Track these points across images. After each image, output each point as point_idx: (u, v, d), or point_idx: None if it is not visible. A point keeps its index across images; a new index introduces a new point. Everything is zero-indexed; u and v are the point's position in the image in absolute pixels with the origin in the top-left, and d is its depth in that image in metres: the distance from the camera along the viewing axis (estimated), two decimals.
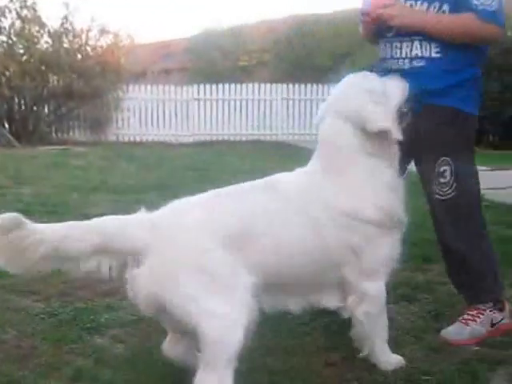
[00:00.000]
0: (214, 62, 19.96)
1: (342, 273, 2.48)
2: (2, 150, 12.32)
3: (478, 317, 2.92)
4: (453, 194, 2.82)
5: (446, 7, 2.77)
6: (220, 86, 15.71)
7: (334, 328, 2.88)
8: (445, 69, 2.80)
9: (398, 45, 2.90)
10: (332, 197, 2.42)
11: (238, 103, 15.78)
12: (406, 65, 2.87)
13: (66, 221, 4.67)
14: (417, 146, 2.84)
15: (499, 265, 3.04)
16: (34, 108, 14.29)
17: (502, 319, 2.96)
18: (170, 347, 2.45)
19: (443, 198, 2.84)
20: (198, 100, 15.60)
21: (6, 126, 14.22)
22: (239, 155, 11.56)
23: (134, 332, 3.03)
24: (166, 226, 2.24)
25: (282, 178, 2.52)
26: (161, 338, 2.50)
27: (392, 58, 2.93)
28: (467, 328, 2.91)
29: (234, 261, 2.21)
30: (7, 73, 13.64)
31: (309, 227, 2.38)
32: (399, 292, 3.52)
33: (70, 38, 14.65)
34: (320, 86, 15.34)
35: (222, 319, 2.14)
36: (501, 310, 2.97)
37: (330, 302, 2.54)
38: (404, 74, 2.77)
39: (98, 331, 3.04)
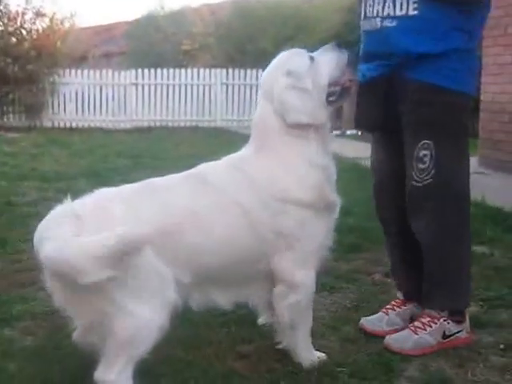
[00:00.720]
0: (155, 46, 19.66)
1: (272, 262, 2.37)
2: None
3: (430, 325, 2.63)
4: (430, 180, 2.53)
5: None
6: (158, 70, 15.47)
7: (250, 319, 2.80)
8: (421, 30, 2.45)
9: (370, 2, 2.58)
10: (261, 181, 2.33)
11: (176, 88, 15.55)
12: (377, 24, 2.55)
13: None
14: (396, 127, 2.61)
15: (470, 273, 2.76)
16: None
17: (457, 332, 2.66)
18: (80, 336, 2.35)
19: (419, 184, 2.55)
20: (136, 85, 15.33)
21: None
22: (177, 141, 11.50)
23: (45, 324, 3.00)
24: (86, 221, 2.14)
25: (210, 168, 2.43)
26: (71, 331, 2.41)
27: (365, 17, 2.64)
28: (414, 336, 2.62)
29: (155, 259, 2.15)
30: None
31: (239, 218, 2.30)
32: (321, 281, 3.23)
33: (5, 20, 14.25)
34: (260, 70, 15.06)
35: (137, 319, 2.13)
36: (458, 322, 2.67)
37: (260, 297, 2.47)
38: (373, 35, 2.56)
39: (9, 323, 2.99)
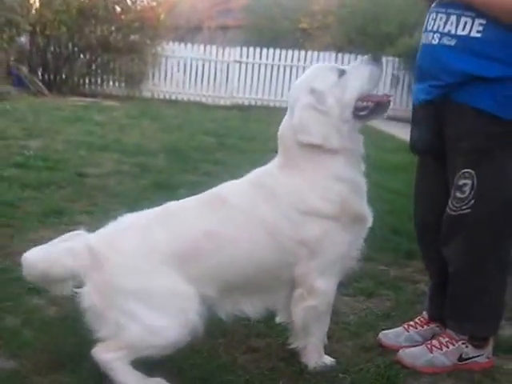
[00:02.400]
0: (274, 22, 19.29)
1: (295, 269, 2.40)
2: (31, 99, 12.18)
3: (447, 346, 2.62)
4: (467, 210, 2.46)
5: None
6: (264, 50, 15.21)
7: (270, 315, 2.68)
8: (481, 53, 2.34)
9: (434, 16, 2.49)
10: (284, 195, 2.36)
11: (281, 69, 15.21)
12: (435, 40, 2.45)
13: (58, 178, 5.24)
14: (440, 148, 2.55)
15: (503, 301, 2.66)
16: (69, 58, 14.03)
17: (475, 356, 2.62)
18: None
19: (454, 213, 2.49)
20: (240, 63, 15.13)
21: (40, 74, 14.02)
22: (271, 122, 11.05)
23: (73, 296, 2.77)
24: (102, 253, 2.28)
25: (231, 189, 2.46)
26: None
27: (426, 30, 2.54)
28: (429, 355, 2.62)
29: (174, 278, 2.25)
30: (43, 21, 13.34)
31: (262, 234, 2.34)
32: (360, 285, 3.43)
33: None
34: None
35: (151, 330, 2.22)
36: (478, 346, 2.62)
37: (286, 303, 2.50)
38: (429, 51, 2.48)
39: (39, 293, 2.97)
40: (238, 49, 15.23)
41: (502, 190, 2.45)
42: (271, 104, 14.74)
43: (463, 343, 2.61)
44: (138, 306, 2.22)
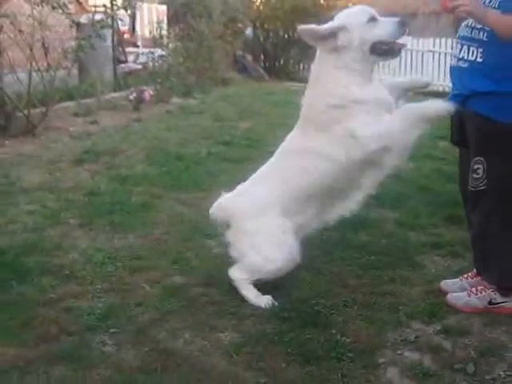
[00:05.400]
0: None
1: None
2: (252, 82, 13.81)
3: (481, 292, 3.25)
4: (483, 187, 3.11)
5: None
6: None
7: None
8: (485, 74, 3.00)
9: (455, 44, 3.22)
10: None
11: None
12: (456, 62, 3.15)
13: (253, 155, 6.27)
14: (463, 138, 3.25)
15: None
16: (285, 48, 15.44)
17: (502, 302, 3.23)
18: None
19: (473, 189, 3.15)
20: (433, 52, 15.25)
21: (262, 62, 15.63)
22: None
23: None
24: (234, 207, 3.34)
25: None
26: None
27: (452, 54, 3.28)
28: (466, 298, 3.26)
29: (279, 219, 3.23)
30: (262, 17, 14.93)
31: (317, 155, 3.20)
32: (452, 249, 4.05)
33: None
34: None
35: (267, 260, 3.20)
36: (504, 294, 3.22)
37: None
38: (452, 70, 3.19)
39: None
40: (431, 39, 15.41)
41: (504, 172, 3.07)
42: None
43: (492, 291, 3.22)
44: (258, 241, 3.21)
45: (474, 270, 3.46)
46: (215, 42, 12.86)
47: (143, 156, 6.42)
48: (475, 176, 3.13)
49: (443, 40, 15.17)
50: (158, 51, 11.21)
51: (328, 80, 3.18)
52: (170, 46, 11.66)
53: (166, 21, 12.92)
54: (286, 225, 3.24)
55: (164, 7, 13.16)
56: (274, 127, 8.11)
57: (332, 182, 3.23)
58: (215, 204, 3.42)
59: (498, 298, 3.23)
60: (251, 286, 3.26)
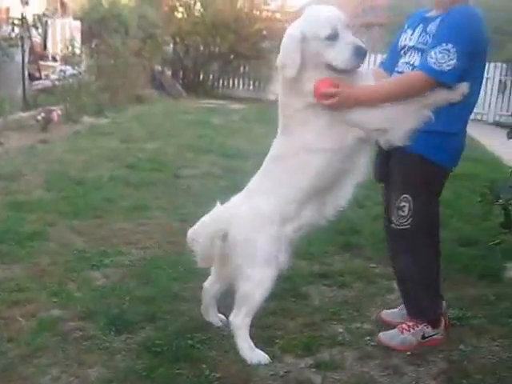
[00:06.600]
0: None
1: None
2: (169, 100, 13.89)
3: (414, 328, 3.29)
4: (407, 226, 3.12)
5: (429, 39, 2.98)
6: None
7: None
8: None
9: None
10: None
11: None
12: None
13: (156, 179, 6.56)
14: (387, 174, 3.23)
15: (440, 286, 3.39)
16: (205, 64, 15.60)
17: (433, 334, 3.30)
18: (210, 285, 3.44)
19: (398, 227, 3.16)
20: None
21: (180, 78, 15.72)
22: None
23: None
24: (239, 215, 3.15)
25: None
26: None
27: None
28: (400, 336, 3.28)
29: (272, 229, 3.08)
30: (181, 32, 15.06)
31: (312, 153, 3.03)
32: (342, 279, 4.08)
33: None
34: None
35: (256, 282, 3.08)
36: (435, 326, 3.30)
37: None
38: None
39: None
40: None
41: (428, 210, 3.15)
42: None
43: (425, 325, 3.27)
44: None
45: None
46: (131, 59, 12.83)
47: (42, 181, 6.32)
48: (401, 213, 3.13)
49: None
50: (69, 69, 11.09)
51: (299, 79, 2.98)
52: (83, 63, 11.57)
53: (79, 37, 12.78)
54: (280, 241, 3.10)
55: (78, 23, 13.00)
56: (182, 149, 8.38)
57: (329, 174, 3.08)
58: (204, 218, 3.27)
59: (430, 331, 3.29)
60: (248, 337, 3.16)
